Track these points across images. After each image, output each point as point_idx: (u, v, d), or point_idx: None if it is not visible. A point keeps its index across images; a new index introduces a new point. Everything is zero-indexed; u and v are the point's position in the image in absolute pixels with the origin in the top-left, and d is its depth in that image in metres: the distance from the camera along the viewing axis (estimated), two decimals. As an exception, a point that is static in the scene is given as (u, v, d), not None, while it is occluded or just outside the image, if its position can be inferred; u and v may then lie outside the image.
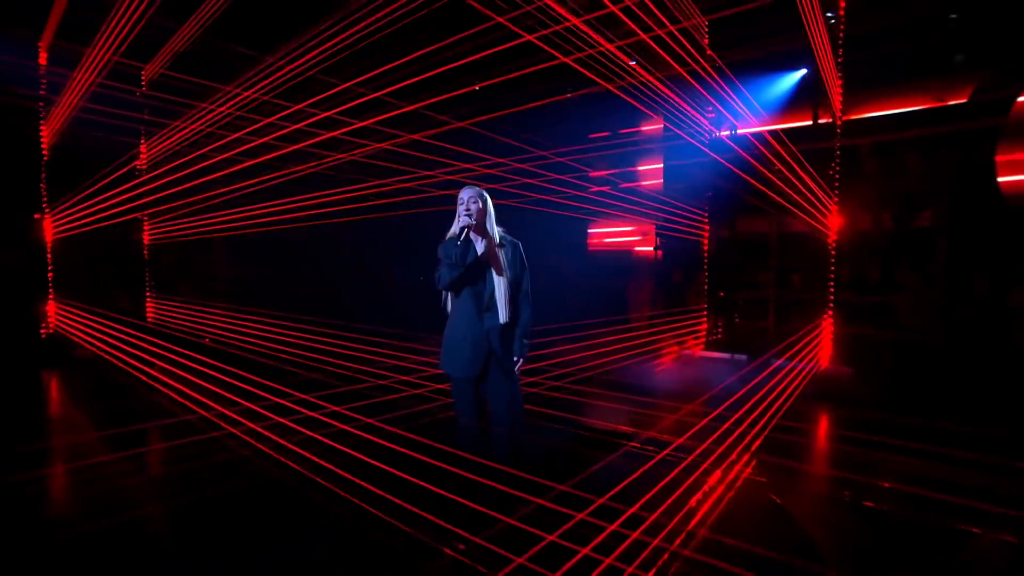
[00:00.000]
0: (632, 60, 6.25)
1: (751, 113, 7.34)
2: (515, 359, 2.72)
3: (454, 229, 2.67)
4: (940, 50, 6.30)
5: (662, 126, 9.03)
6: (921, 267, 6.58)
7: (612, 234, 10.07)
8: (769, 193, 6.39)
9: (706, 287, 8.43)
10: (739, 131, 7.84)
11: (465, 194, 2.60)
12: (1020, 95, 5.72)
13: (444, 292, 2.70)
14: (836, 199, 6.10)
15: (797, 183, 6.04)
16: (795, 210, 6.19)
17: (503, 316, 2.61)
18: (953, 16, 6.01)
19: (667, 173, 9.32)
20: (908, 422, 4.12)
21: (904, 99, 6.69)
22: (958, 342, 5.81)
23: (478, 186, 2.66)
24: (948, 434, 3.84)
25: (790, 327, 6.67)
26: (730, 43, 6.49)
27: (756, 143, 6.58)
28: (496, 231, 2.67)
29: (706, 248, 8.55)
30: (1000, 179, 5.75)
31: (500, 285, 2.59)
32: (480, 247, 2.62)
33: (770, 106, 7.68)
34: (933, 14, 6.03)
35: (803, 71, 7.48)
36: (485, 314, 2.61)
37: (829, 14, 6.02)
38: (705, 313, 8.35)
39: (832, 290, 6.16)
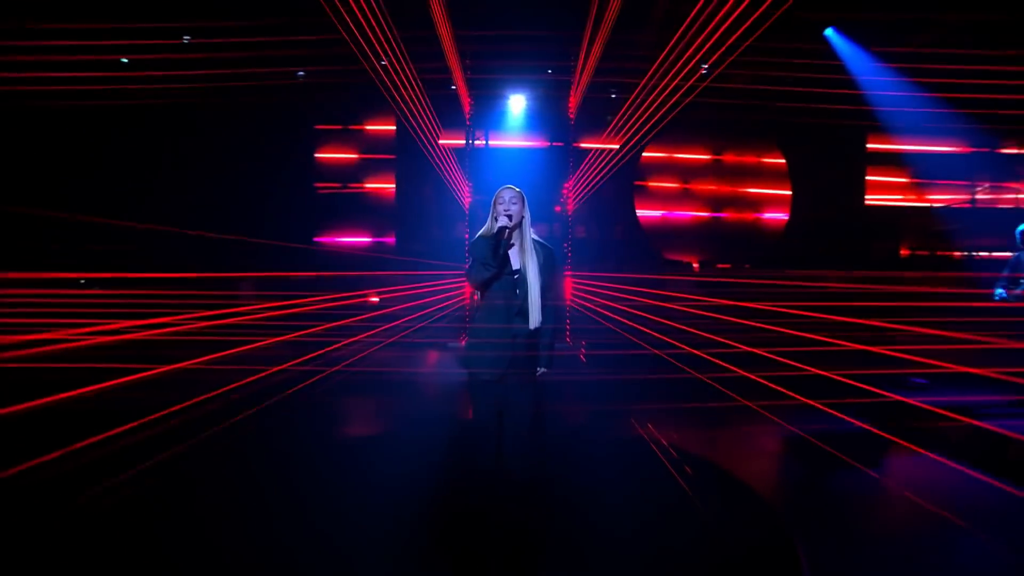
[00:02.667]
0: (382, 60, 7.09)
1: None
2: (540, 369, 2.63)
3: (488, 227, 2.57)
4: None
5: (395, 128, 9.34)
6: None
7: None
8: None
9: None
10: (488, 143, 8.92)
11: (506, 194, 2.51)
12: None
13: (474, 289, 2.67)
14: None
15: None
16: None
17: (534, 322, 2.52)
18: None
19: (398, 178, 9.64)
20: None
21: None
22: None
23: (517, 188, 2.57)
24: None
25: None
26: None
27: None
28: (531, 235, 2.60)
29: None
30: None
31: (532, 290, 2.51)
32: (515, 250, 2.56)
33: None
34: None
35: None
36: (515, 318, 2.52)
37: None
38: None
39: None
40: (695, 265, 9.81)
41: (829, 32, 6.79)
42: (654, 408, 4.53)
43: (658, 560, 2.43)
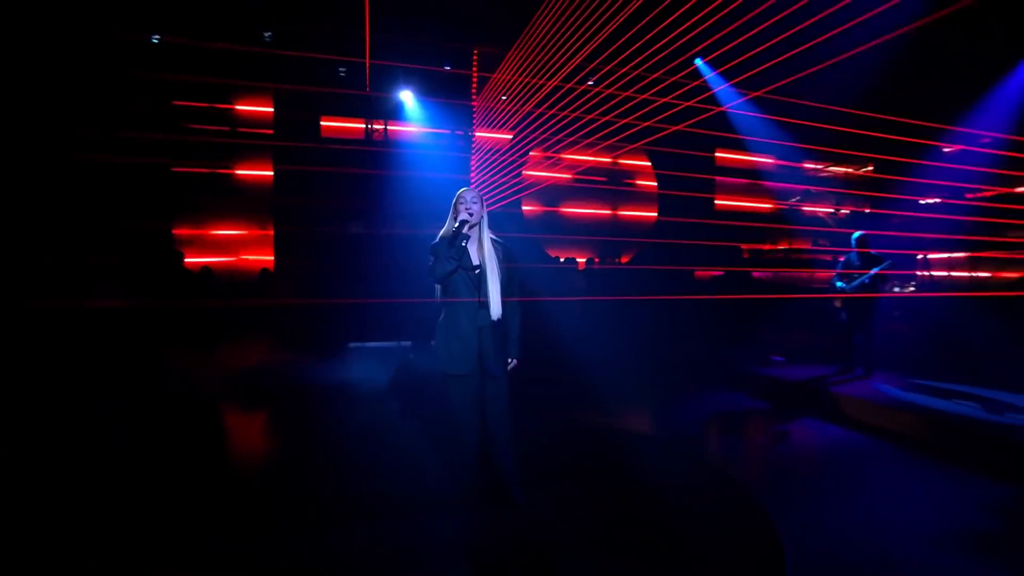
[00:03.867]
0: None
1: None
2: (510, 360, 2.77)
3: (448, 227, 2.71)
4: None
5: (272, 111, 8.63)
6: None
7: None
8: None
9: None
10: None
11: (467, 195, 2.68)
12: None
13: (437, 287, 2.74)
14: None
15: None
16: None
17: (495, 313, 2.65)
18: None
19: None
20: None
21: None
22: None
23: (475, 191, 2.73)
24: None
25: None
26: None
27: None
28: (490, 234, 2.73)
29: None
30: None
31: (491, 283, 2.65)
32: (475, 247, 2.70)
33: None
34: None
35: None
36: (478, 312, 2.64)
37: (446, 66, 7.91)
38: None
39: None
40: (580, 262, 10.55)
41: (698, 62, 7.86)
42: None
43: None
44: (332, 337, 7.44)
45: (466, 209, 2.64)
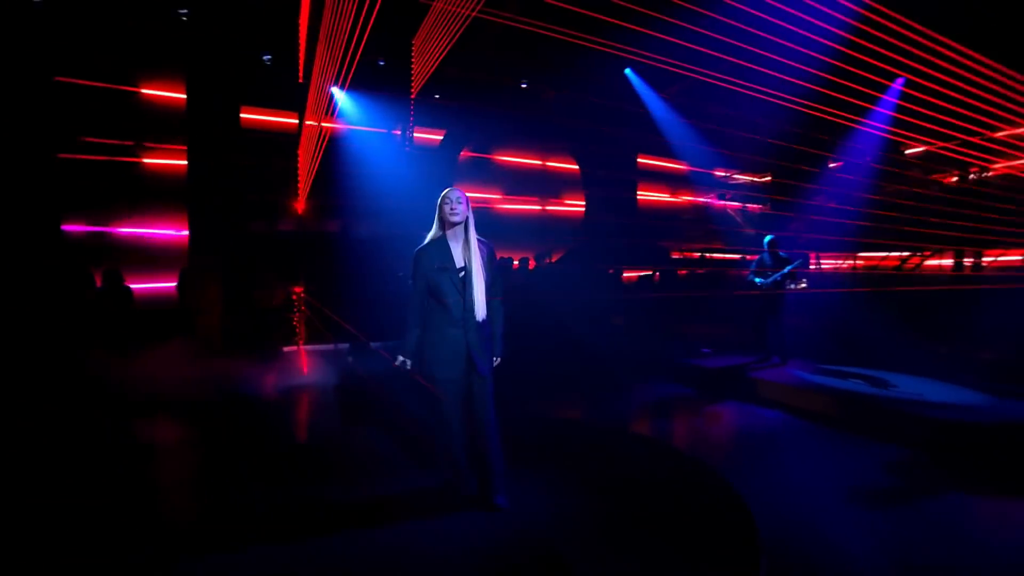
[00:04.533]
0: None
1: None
2: (494, 358, 2.76)
3: (435, 229, 2.70)
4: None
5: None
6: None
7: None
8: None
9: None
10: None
11: (452, 195, 2.64)
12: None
13: (418, 295, 2.71)
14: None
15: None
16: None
17: (480, 314, 2.65)
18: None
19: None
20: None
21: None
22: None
23: (460, 191, 2.68)
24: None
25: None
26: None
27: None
28: (475, 233, 2.69)
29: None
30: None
31: (478, 284, 2.63)
32: (460, 248, 2.68)
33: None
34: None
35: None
36: (464, 313, 2.63)
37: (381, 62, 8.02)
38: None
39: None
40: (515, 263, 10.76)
41: (628, 72, 8.36)
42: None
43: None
44: (264, 341, 7.07)
45: (450, 209, 2.62)
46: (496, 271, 2.77)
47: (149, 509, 2.82)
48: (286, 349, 7.35)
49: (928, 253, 8.78)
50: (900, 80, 7.91)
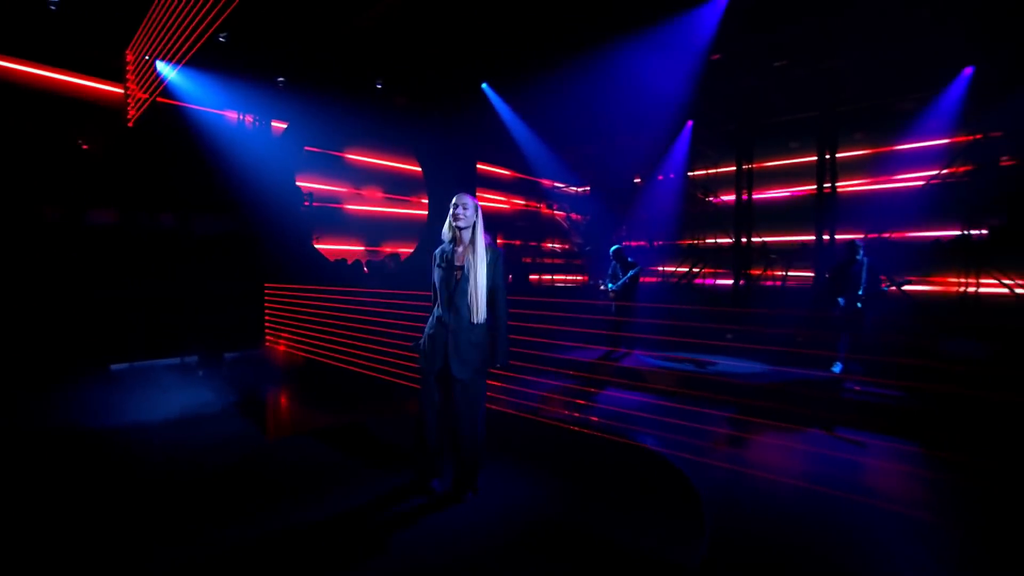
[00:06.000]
0: None
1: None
2: (497, 364, 2.83)
3: (446, 231, 2.84)
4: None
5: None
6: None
7: None
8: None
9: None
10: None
11: (461, 200, 2.76)
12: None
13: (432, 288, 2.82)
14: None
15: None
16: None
17: (477, 317, 2.72)
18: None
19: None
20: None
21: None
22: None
23: (471, 195, 2.79)
24: None
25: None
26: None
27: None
28: (482, 238, 2.76)
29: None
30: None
31: (473, 287, 2.71)
32: (463, 248, 2.78)
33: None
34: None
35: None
36: (450, 314, 2.74)
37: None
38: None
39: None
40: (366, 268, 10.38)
41: (484, 86, 8.84)
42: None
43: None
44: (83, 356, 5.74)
45: (457, 214, 2.74)
46: (498, 279, 2.79)
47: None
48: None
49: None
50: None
